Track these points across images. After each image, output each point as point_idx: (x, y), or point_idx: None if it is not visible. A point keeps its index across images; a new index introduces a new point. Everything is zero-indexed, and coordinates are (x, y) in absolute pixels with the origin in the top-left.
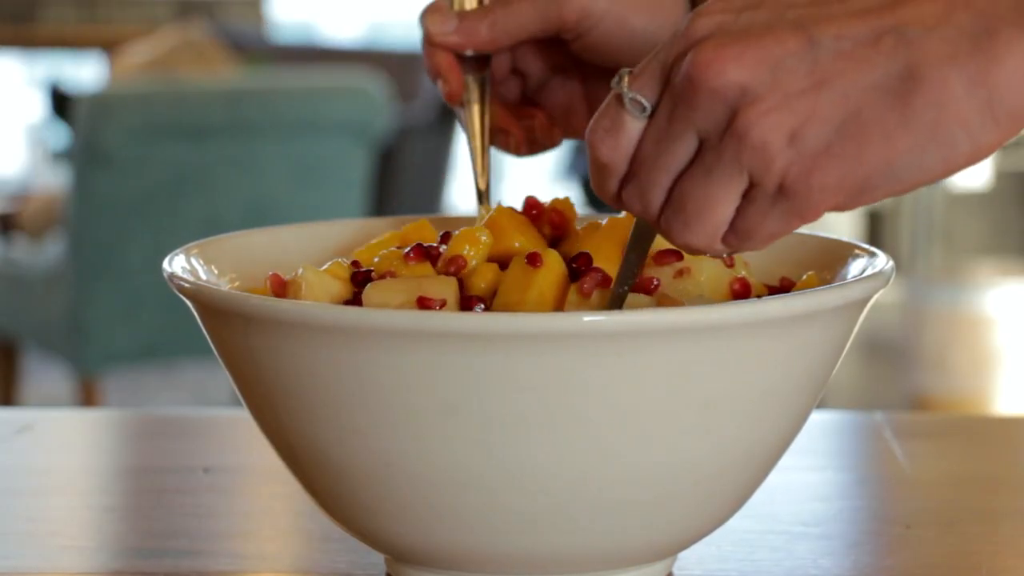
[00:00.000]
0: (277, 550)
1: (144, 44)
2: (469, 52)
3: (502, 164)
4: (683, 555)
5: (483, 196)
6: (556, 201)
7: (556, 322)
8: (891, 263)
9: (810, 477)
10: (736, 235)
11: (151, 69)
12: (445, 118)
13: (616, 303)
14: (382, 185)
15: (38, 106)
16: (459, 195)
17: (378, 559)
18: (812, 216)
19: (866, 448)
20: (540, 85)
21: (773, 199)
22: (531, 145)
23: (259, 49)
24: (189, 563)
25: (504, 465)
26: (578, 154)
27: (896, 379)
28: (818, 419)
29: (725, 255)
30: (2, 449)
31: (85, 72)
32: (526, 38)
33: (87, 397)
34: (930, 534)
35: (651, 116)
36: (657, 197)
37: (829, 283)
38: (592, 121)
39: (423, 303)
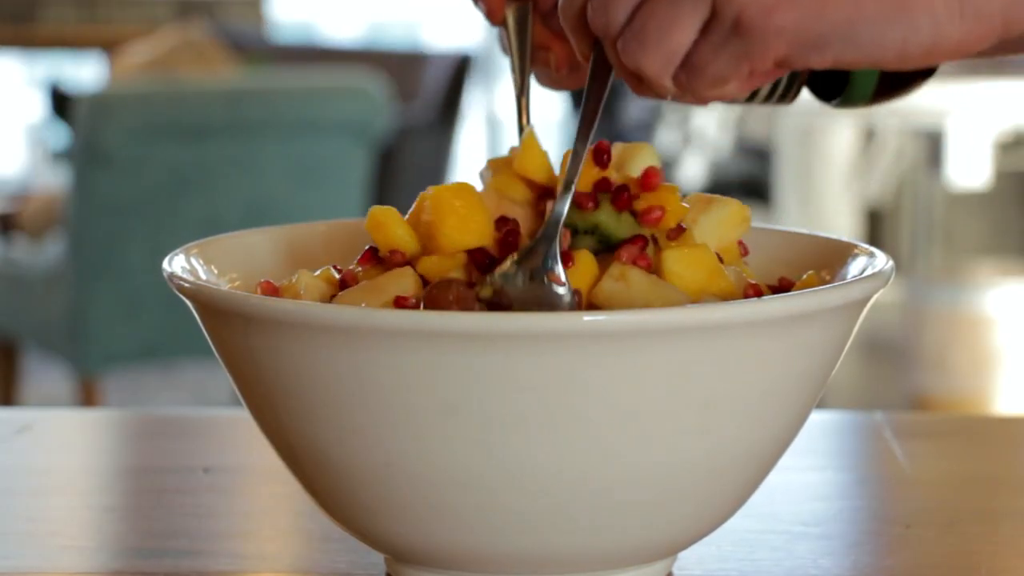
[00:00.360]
0: (277, 550)
1: (144, 44)
2: None
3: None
4: (683, 555)
5: (522, 126)
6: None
7: (556, 322)
8: (891, 263)
9: (810, 477)
10: (686, 70)
11: (151, 69)
12: (445, 118)
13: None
14: (382, 185)
15: (38, 106)
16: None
17: (378, 559)
18: (760, 61)
19: (866, 448)
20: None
21: (728, 34)
22: (572, 67)
23: (259, 49)
24: (189, 563)
25: (504, 465)
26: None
27: (896, 379)
28: (818, 419)
29: (669, 97)
30: (2, 449)
31: (85, 72)
32: None
33: (87, 397)
34: (930, 534)
35: None
36: (621, 14)
37: (829, 283)
38: None
39: (400, 303)
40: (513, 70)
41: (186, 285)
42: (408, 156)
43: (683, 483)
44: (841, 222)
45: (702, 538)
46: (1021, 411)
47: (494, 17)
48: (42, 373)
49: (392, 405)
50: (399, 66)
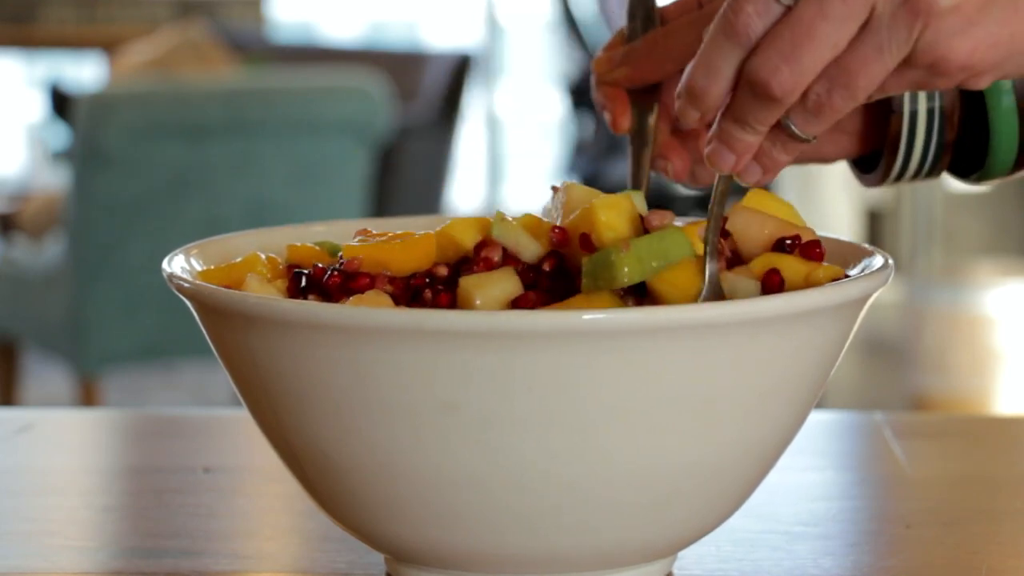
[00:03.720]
0: (277, 550)
1: (144, 44)
2: (639, 84)
3: (503, 166)
4: (683, 555)
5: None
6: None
7: (556, 321)
8: (891, 263)
9: (810, 477)
10: (829, 79)
11: (151, 69)
12: (445, 118)
13: (713, 284)
14: (382, 185)
15: (38, 106)
16: (459, 195)
17: (378, 559)
18: (930, 84)
19: (866, 448)
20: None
21: (896, 47)
22: (693, 174)
23: (259, 49)
24: (189, 563)
25: (504, 465)
26: (577, 154)
27: (896, 379)
28: (818, 419)
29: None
30: (2, 449)
31: (85, 72)
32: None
33: (87, 397)
34: (930, 534)
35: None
36: (811, 72)
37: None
38: (730, 3)
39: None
40: (631, 175)
41: (186, 285)
42: (408, 156)
43: (683, 483)
44: (841, 222)
45: (702, 538)
46: (1021, 411)
47: (617, 129)
48: (42, 373)
49: (392, 405)
50: (399, 66)
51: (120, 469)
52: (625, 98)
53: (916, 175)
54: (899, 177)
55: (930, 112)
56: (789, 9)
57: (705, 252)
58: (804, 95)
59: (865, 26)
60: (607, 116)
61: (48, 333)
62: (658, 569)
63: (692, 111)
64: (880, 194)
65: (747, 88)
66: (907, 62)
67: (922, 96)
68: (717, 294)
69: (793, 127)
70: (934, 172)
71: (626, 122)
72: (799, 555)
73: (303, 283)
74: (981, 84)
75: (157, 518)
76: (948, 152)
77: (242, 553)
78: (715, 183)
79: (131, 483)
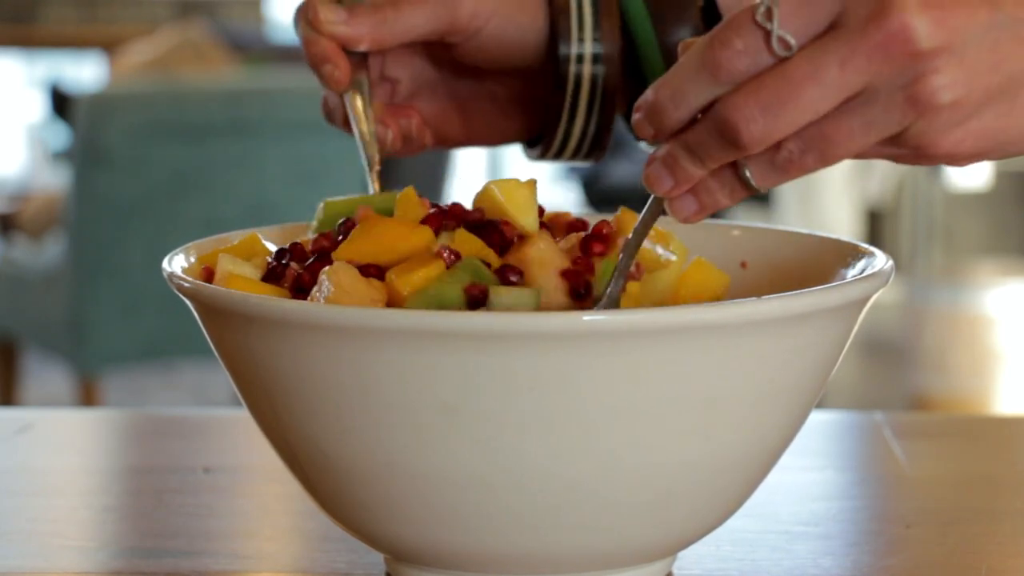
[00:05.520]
0: (277, 550)
1: (144, 44)
2: (360, 47)
3: (503, 165)
4: (683, 555)
5: (376, 181)
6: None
7: (556, 322)
8: (891, 263)
9: (810, 477)
10: (803, 140)
11: (151, 69)
12: None
13: (612, 302)
14: (382, 185)
15: (38, 106)
16: (459, 194)
17: (378, 559)
18: (914, 160)
19: (866, 448)
20: (410, 94)
21: (886, 123)
22: (406, 143)
23: (259, 49)
24: (189, 563)
25: (504, 465)
26: None
27: (896, 379)
28: (818, 419)
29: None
30: (2, 449)
31: (85, 72)
32: (413, 39)
33: (87, 397)
34: (930, 534)
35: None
36: (787, 131)
37: (829, 283)
38: (718, 34)
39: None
40: (364, 142)
41: (186, 285)
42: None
43: (683, 483)
44: (841, 222)
45: (702, 538)
46: (1021, 411)
47: (340, 85)
48: (42, 373)
49: (392, 405)
50: None
51: (120, 469)
52: (343, 53)
53: (576, 153)
54: (558, 154)
55: (592, 89)
56: (781, 61)
57: (614, 270)
58: (772, 148)
59: (855, 97)
60: (329, 71)
61: (48, 333)
62: (658, 569)
63: (648, 128)
64: (880, 194)
65: (712, 124)
66: (890, 139)
67: (587, 59)
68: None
69: (749, 176)
70: (596, 149)
71: (347, 78)
72: (799, 555)
73: (283, 260)
74: (961, 166)
75: (157, 518)
76: (609, 132)
77: (242, 553)
78: (647, 204)
79: (131, 483)
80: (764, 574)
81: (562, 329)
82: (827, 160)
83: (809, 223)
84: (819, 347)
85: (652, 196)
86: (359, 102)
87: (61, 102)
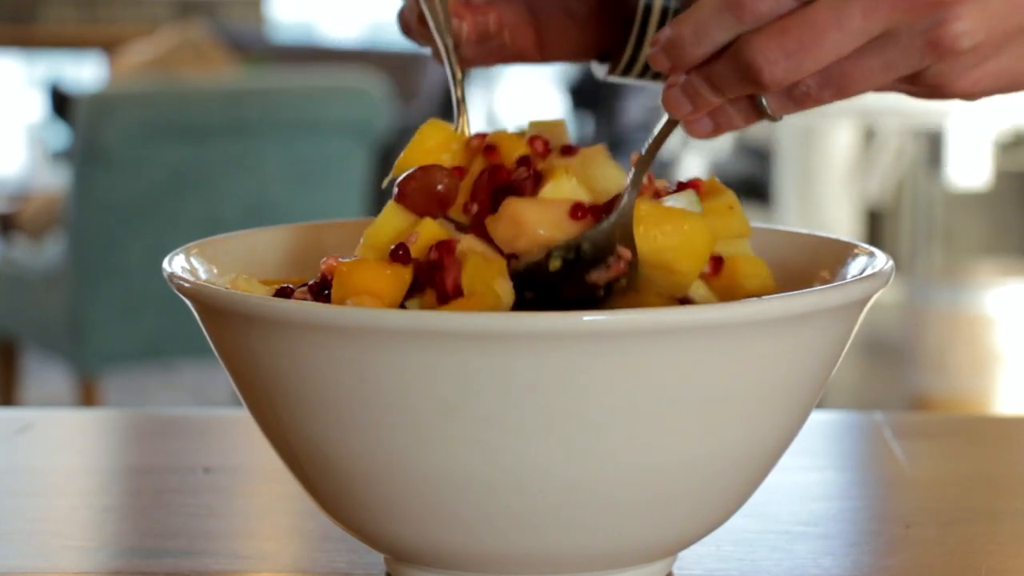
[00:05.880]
0: (277, 550)
1: (144, 44)
2: None
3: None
4: (683, 555)
5: (460, 105)
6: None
7: (556, 322)
8: (891, 263)
9: (810, 477)
10: (823, 78)
11: (151, 69)
12: (445, 118)
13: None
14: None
15: (38, 106)
16: None
17: (378, 559)
18: (929, 95)
19: (866, 448)
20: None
21: (906, 63)
22: (481, 40)
23: (259, 49)
24: (189, 563)
25: (504, 465)
26: None
27: (896, 379)
28: (818, 419)
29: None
30: (2, 449)
31: (85, 72)
32: None
33: (87, 397)
34: (930, 534)
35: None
36: (807, 73)
37: (829, 283)
38: None
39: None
40: (445, 51)
41: (186, 285)
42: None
43: (683, 483)
44: (841, 222)
45: (702, 538)
46: (1021, 411)
47: None
48: (42, 373)
49: (392, 405)
50: (399, 66)
51: (120, 469)
52: None
53: (643, 73)
54: (626, 72)
55: (663, 17)
56: (804, 3)
57: (628, 182)
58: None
59: (876, 39)
60: None
61: (48, 333)
62: (658, 569)
63: (665, 61)
64: (880, 194)
65: (733, 63)
66: (907, 78)
67: None
68: (626, 227)
69: (766, 105)
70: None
71: None
72: (799, 555)
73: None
74: (974, 101)
75: (157, 518)
76: None
77: (242, 553)
78: (662, 122)
79: (131, 483)
80: (764, 574)
81: (562, 329)
82: (844, 95)
83: (809, 223)
84: (819, 347)
85: (667, 117)
86: (438, 9)
87: (61, 102)
